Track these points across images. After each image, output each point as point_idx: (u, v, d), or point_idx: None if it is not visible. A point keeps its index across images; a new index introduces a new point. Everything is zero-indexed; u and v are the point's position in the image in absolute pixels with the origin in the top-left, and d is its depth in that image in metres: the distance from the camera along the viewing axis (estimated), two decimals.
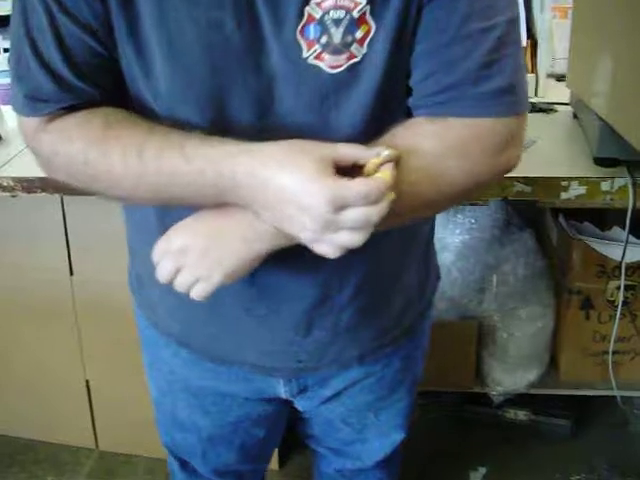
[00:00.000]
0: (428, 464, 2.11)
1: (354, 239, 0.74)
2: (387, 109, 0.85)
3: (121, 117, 0.84)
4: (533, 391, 2.03)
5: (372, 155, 0.76)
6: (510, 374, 2.00)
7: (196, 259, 0.83)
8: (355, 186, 0.73)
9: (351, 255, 0.77)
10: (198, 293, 0.85)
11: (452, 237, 2.03)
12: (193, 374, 1.12)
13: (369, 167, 0.76)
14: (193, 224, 0.85)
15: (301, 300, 0.97)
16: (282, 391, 1.11)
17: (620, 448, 2.15)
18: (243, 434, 1.21)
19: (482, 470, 2.09)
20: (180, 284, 0.86)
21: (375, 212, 0.73)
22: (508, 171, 0.88)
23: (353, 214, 0.73)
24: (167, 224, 0.86)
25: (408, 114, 0.86)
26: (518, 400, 2.07)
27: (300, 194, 0.73)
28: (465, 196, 0.97)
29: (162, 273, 0.86)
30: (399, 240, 1.00)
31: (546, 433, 2.17)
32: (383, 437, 1.27)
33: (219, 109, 0.83)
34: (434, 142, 0.82)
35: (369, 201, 0.73)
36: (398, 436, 1.28)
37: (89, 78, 0.83)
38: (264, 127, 0.83)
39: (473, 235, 2.01)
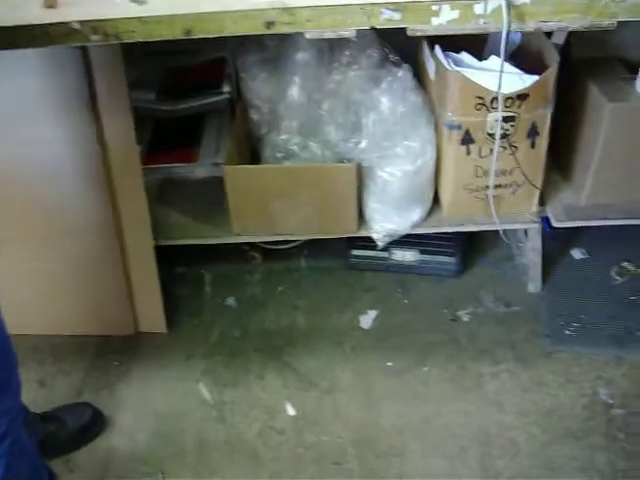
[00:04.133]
0: (317, 312, 2.08)
1: None
2: None
3: None
4: (418, 231, 1.98)
5: None
6: (393, 215, 1.95)
7: None
8: None
9: None
10: None
11: (326, 77, 1.91)
12: None
13: None
14: None
15: None
16: None
17: (505, 280, 2.17)
18: None
19: (372, 313, 2.08)
20: None
21: None
22: None
23: None
24: None
25: None
26: (404, 241, 2.02)
27: None
28: None
29: None
30: None
31: (433, 272, 2.16)
32: None
33: None
34: None
35: None
36: None
37: None
38: None
39: (348, 74, 1.89)
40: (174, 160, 2.10)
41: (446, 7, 1.42)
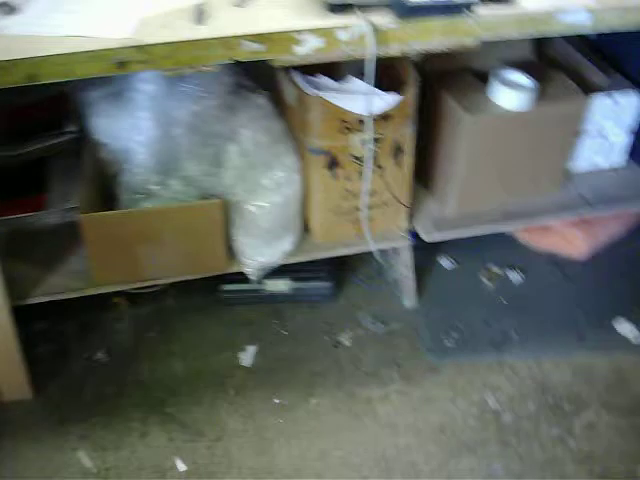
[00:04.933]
0: (194, 356, 1.97)
1: None
2: None
3: None
4: (291, 260, 1.92)
5: None
6: (264, 247, 1.88)
7: None
8: None
9: None
10: None
11: (179, 109, 1.80)
12: None
13: None
14: None
15: None
16: None
17: (380, 298, 2.16)
18: None
19: (251, 349, 2.00)
20: None
21: None
22: None
23: None
24: None
25: None
26: (275, 270, 1.95)
27: None
28: None
29: None
30: None
31: (308, 298, 2.12)
32: None
33: None
34: None
35: None
36: None
37: None
38: None
39: (203, 104, 1.80)
40: (21, 210, 1.92)
41: (310, 36, 1.37)
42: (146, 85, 1.80)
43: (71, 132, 1.97)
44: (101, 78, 1.77)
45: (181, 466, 1.73)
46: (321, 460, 1.75)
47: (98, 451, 1.75)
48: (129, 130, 1.83)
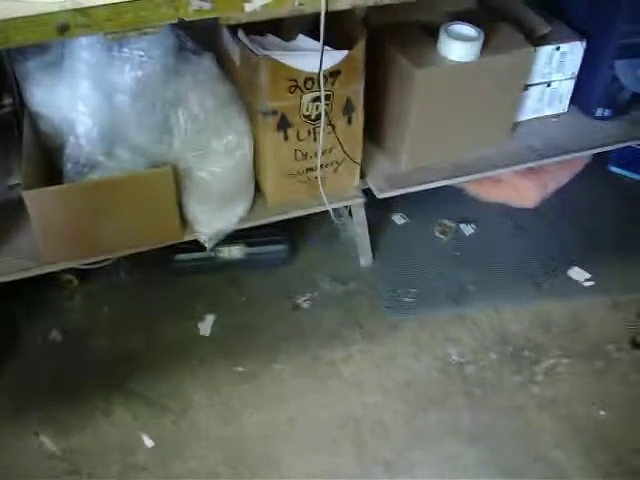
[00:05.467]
0: (152, 329, 1.93)
1: None
2: None
3: None
4: (245, 225, 1.89)
5: None
6: (217, 214, 1.83)
7: None
8: None
9: None
10: None
11: (122, 76, 1.73)
12: None
13: None
14: None
15: None
16: None
17: (336, 258, 2.15)
18: None
19: (210, 318, 1.97)
20: None
21: None
22: None
23: None
24: None
25: None
26: (230, 237, 1.91)
27: None
28: None
29: None
30: None
31: (264, 263, 2.09)
32: None
33: None
34: None
35: None
36: None
37: None
38: None
39: (145, 70, 1.73)
40: None
41: None
42: (84, 52, 1.72)
43: (8, 105, 1.88)
44: (37, 46, 1.71)
45: (149, 442, 1.70)
46: (290, 425, 1.74)
47: (61, 434, 1.70)
48: (70, 100, 1.75)
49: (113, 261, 1.98)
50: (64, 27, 1.27)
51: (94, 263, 1.87)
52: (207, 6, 1.31)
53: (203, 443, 1.70)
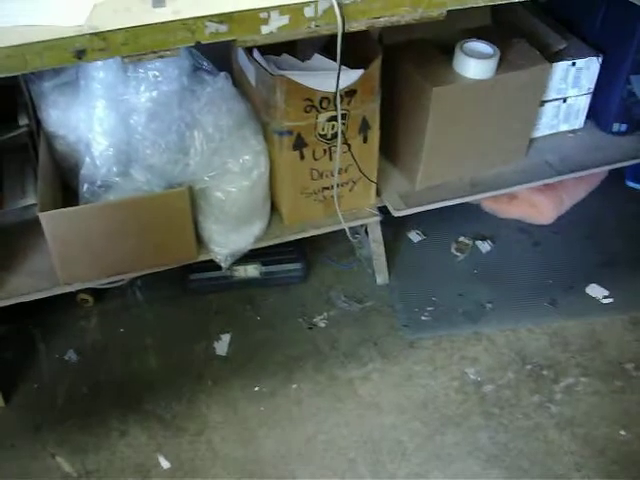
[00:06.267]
0: (168, 348, 1.93)
1: None
2: None
3: None
4: (261, 244, 1.88)
5: None
6: (233, 233, 1.83)
7: None
8: None
9: None
10: None
11: (137, 96, 1.74)
12: None
13: None
14: None
15: None
16: None
17: (351, 276, 2.14)
18: None
19: (226, 337, 1.96)
20: None
21: None
22: None
23: None
24: None
25: None
26: (246, 256, 1.91)
27: None
28: None
29: None
30: None
31: (279, 281, 2.08)
32: None
33: None
34: None
35: None
36: None
37: None
38: None
39: (161, 90, 1.73)
40: None
41: (275, 13, 1.32)
42: (100, 72, 1.73)
43: (23, 125, 1.88)
44: (53, 68, 1.72)
45: (165, 463, 1.69)
46: (307, 445, 1.73)
47: (77, 455, 1.70)
48: (85, 120, 1.76)
49: (128, 280, 1.98)
50: (82, 52, 1.27)
51: (110, 283, 1.86)
52: (223, 29, 1.31)
53: (219, 463, 1.69)
